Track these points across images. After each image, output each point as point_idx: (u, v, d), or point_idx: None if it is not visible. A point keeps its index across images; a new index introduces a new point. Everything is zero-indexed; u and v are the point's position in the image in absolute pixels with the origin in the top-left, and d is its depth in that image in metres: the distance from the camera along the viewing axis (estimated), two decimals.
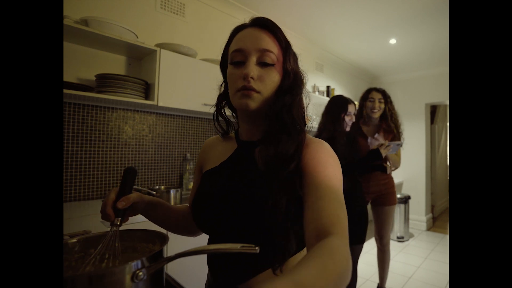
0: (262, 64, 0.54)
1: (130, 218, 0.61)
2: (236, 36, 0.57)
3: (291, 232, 0.51)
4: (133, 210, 0.59)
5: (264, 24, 0.56)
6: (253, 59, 0.54)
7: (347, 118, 1.64)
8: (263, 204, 0.49)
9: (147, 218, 0.66)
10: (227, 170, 0.60)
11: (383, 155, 1.67)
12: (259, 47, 0.54)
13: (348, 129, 1.67)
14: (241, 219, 0.52)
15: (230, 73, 0.56)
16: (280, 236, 0.50)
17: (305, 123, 0.60)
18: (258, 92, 0.54)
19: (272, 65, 0.54)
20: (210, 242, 0.62)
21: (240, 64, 0.55)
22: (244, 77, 0.53)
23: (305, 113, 0.61)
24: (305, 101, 0.63)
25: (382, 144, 1.70)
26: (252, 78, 0.53)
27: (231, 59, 0.57)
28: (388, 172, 1.87)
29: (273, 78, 0.55)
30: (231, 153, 0.62)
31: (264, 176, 0.51)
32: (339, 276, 0.35)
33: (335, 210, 0.46)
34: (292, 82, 0.57)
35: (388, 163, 1.91)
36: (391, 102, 1.97)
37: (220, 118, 0.67)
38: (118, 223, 0.54)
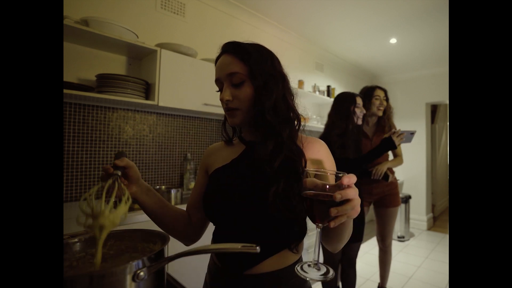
0: (234, 85, 0.62)
1: (129, 218, 0.62)
2: (216, 66, 0.66)
3: (302, 218, 0.60)
4: (128, 177, 0.62)
5: (229, 50, 0.64)
6: (227, 84, 0.63)
7: (357, 110, 1.59)
8: (274, 195, 0.55)
9: (142, 208, 0.67)
10: (239, 166, 0.66)
11: (397, 144, 1.52)
12: (227, 72, 0.62)
13: (359, 122, 1.62)
14: (254, 210, 0.58)
15: (219, 98, 0.66)
16: (295, 222, 0.58)
17: (297, 115, 0.65)
18: (237, 109, 0.63)
19: (242, 82, 0.62)
20: (219, 233, 0.66)
21: (221, 91, 0.65)
22: (223, 101, 0.63)
23: (295, 105, 0.66)
24: (293, 97, 0.67)
25: (394, 132, 1.53)
26: (228, 101, 0.62)
27: (218, 87, 0.67)
28: (389, 180, 1.83)
29: (246, 93, 0.62)
30: (240, 152, 0.69)
31: (271, 171, 0.58)
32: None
33: None
34: (264, 88, 0.62)
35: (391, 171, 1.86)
36: (389, 100, 1.97)
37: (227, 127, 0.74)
38: (119, 174, 0.57)
